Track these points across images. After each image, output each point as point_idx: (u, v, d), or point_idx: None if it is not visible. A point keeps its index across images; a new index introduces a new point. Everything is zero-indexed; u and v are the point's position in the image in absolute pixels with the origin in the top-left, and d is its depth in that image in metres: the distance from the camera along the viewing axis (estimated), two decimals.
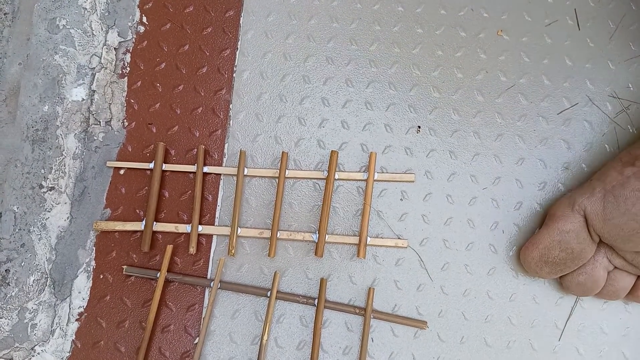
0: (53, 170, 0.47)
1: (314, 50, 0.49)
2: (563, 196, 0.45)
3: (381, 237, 0.46)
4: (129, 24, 0.50)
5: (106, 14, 0.50)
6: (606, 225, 0.41)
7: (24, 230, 0.46)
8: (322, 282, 0.45)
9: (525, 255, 0.44)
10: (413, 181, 0.47)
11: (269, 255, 0.45)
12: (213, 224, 0.47)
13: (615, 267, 0.43)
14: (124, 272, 0.45)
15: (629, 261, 0.42)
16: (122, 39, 0.49)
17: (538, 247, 0.43)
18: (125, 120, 0.48)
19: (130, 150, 0.48)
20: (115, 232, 0.46)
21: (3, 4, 0.50)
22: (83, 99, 0.48)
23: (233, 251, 0.45)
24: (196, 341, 0.45)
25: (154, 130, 0.48)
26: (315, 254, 0.45)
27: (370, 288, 0.45)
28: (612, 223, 0.40)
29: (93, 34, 0.49)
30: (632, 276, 0.43)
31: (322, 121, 0.48)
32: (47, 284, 0.46)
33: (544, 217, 0.46)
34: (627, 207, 0.40)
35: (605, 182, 0.42)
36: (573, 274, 0.43)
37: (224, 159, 0.48)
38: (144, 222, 0.46)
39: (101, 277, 0.46)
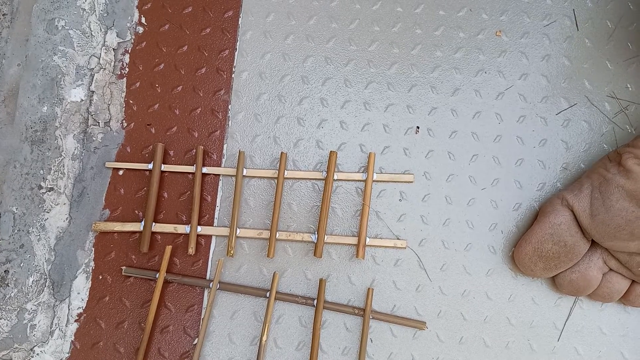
0: (52, 171, 0.47)
1: (313, 50, 0.49)
2: (554, 195, 0.46)
3: (380, 238, 0.46)
4: (128, 24, 0.50)
5: (105, 14, 0.50)
6: (593, 221, 0.41)
7: (23, 231, 0.46)
8: (321, 283, 0.45)
9: (519, 252, 0.44)
10: (412, 182, 0.47)
11: (268, 256, 0.46)
12: (212, 225, 0.47)
13: (610, 269, 0.43)
14: (123, 273, 0.45)
15: (623, 263, 0.42)
16: (121, 40, 0.49)
17: (531, 242, 0.43)
18: (124, 121, 0.48)
19: (129, 150, 0.48)
20: (114, 232, 0.46)
21: (2, 5, 0.50)
22: (82, 100, 0.48)
23: (232, 252, 0.45)
24: (195, 342, 0.45)
25: (153, 131, 0.48)
26: (314, 255, 0.45)
27: (369, 288, 0.45)
28: (598, 219, 0.41)
29: (92, 34, 0.49)
30: (626, 279, 0.43)
31: (320, 122, 0.48)
32: (46, 284, 0.46)
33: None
34: (612, 203, 0.41)
35: (593, 180, 0.43)
36: (566, 271, 0.43)
37: (223, 160, 0.48)
38: (143, 222, 0.46)
39: (100, 277, 0.46)
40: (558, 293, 0.46)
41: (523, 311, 0.46)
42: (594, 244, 0.43)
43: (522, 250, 0.44)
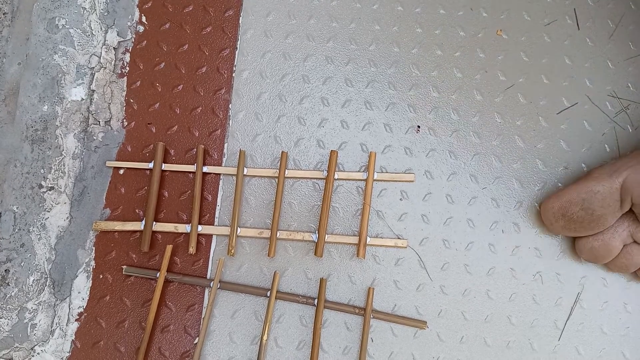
0: (52, 170, 0.47)
1: (314, 49, 0.49)
2: (609, 162, 0.45)
3: (381, 237, 0.46)
4: (129, 23, 0.50)
5: (105, 13, 0.50)
6: None
7: (23, 230, 0.46)
8: (322, 282, 0.45)
9: (546, 204, 0.44)
10: (413, 181, 0.47)
11: (268, 255, 0.45)
12: (213, 224, 0.47)
13: (634, 242, 0.43)
14: (123, 272, 0.45)
15: None
16: (122, 39, 0.49)
17: (561, 199, 0.43)
18: (124, 120, 0.48)
19: (129, 150, 0.48)
20: (115, 232, 0.46)
21: (2, 4, 0.50)
22: (82, 99, 0.48)
23: (233, 251, 0.45)
24: (196, 341, 0.45)
25: (154, 130, 0.48)
26: (315, 254, 0.45)
27: (369, 288, 0.45)
28: None
29: (92, 33, 0.49)
30: None
31: (321, 121, 0.48)
32: (47, 284, 0.46)
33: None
34: None
35: None
36: (589, 238, 0.44)
37: (224, 159, 0.48)
38: (143, 222, 0.46)
39: (101, 277, 0.46)
40: (559, 292, 0.46)
41: (524, 310, 0.46)
42: (623, 215, 0.43)
43: (550, 204, 0.44)
